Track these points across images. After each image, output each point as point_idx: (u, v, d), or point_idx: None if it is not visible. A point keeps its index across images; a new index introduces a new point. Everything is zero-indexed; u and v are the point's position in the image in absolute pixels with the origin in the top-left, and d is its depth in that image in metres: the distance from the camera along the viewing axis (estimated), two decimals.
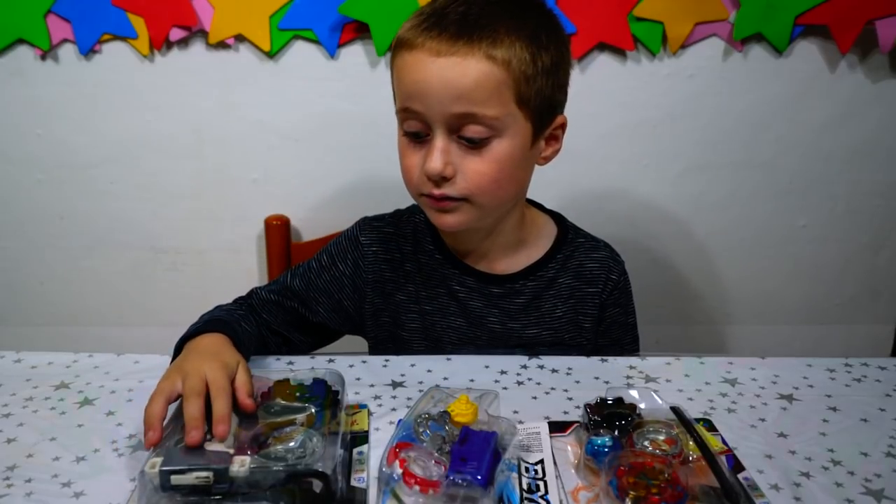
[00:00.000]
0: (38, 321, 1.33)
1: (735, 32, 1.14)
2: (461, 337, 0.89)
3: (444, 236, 0.89)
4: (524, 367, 0.81)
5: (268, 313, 0.88)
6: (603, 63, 1.18)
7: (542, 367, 0.81)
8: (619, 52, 1.17)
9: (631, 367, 0.80)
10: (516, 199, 0.84)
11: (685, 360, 0.82)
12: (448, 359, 0.82)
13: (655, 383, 0.77)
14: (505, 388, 0.76)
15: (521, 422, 0.69)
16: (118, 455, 0.65)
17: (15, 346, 0.83)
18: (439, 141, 0.74)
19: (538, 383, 0.77)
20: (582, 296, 0.89)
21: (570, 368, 0.80)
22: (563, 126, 0.82)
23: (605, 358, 0.82)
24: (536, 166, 0.84)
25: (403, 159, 0.79)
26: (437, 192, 0.76)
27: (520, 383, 0.77)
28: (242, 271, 1.30)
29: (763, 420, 0.71)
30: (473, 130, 0.74)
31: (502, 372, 0.79)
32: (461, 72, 0.72)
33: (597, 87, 1.19)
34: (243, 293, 1.31)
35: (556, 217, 0.93)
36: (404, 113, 0.76)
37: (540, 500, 0.59)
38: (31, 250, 1.29)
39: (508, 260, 0.88)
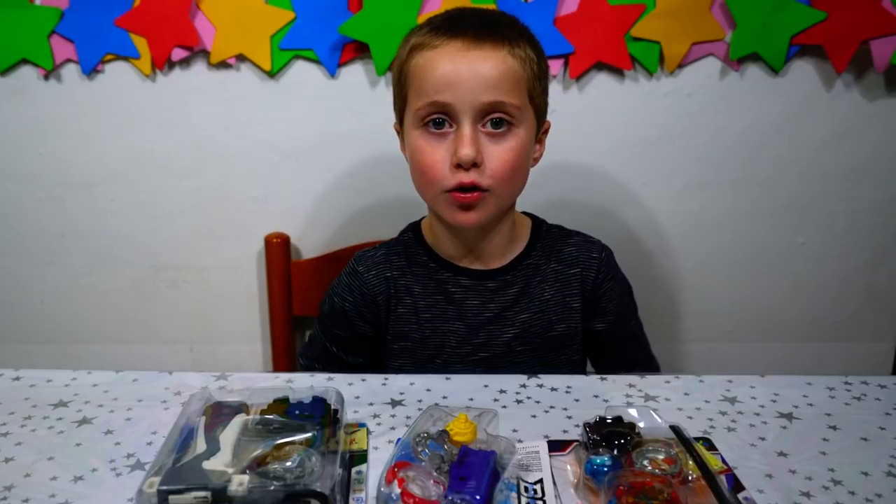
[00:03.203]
0: (38, 339, 1.33)
1: (731, 52, 1.15)
2: (460, 340, 0.92)
3: (441, 242, 0.92)
4: (523, 385, 0.81)
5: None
6: (601, 82, 1.19)
7: (541, 385, 0.81)
8: (618, 71, 1.18)
9: (630, 386, 0.80)
10: (518, 196, 0.89)
11: (684, 379, 0.82)
12: (447, 378, 0.82)
13: (655, 402, 0.77)
14: (504, 407, 0.76)
15: (520, 440, 0.69)
16: (116, 475, 0.65)
17: (15, 363, 0.83)
18: (468, 130, 0.79)
19: (537, 402, 0.77)
20: (566, 278, 0.93)
21: (569, 387, 0.80)
22: (547, 130, 0.89)
23: (604, 377, 0.82)
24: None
25: (424, 157, 0.82)
26: (468, 180, 0.79)
27: (519, 402, 0.77)
28: (242, 289, 1.31)
29: (763, 439, 0.70)
30: (499, 118, 0.80)
31: (501, 391, 0.79)
32: (492, 64, 0.78)
33: (595, 106, 1.20)
34: (243, 311, 1.32)
35: (529, 215, 0.98)
36: (430, 107, 0.80)
37: None
38: (32, 268, 1.29)
39: (498, 257, 0.92)
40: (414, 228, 0.96)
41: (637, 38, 1.14)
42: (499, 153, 0.80)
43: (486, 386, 0.80)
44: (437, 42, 0.79)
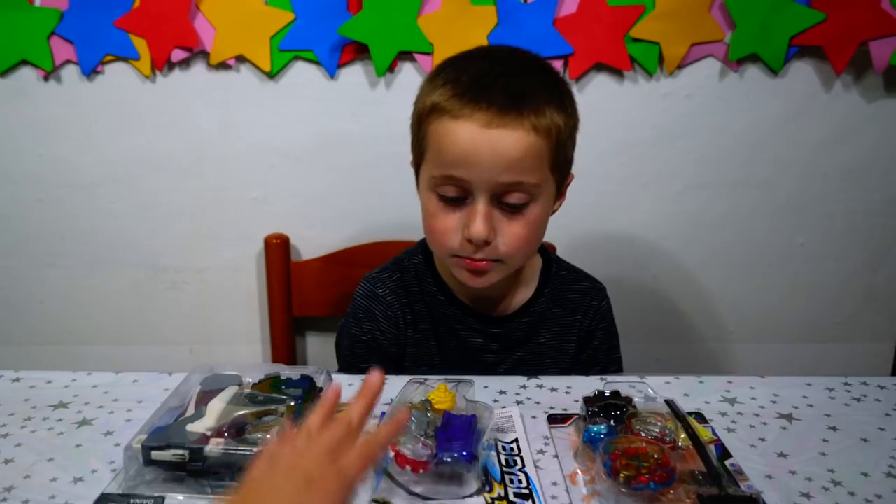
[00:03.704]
0: (38, 340, 1.33)
1: (731, 53, 1.15)
2: (457, 369, 0.91)
3: (448, 280, 0.91)
4: (523, 386, 0.81)
5: None
6: (601, 83, 1.19)
7: (541, 385, 0.81)
8: (617, 72, 1.18)
9: (631, 387, 0.80)
10: (531, 257, 0.89)
11: (685, 380, 0.82)
12: (446, 379, 0.82)
13: (654, 403, 0.77)
14: (504, 408, 0.76)
15: (496, 401, 0.74)
16: (116, 476, 0.65)
17: (16, 364, 0.84)
18: (482, 206, 0.76)
19: (537, 402, 0.77)
20: (566, 324, 0.93)
21: (569, 387, 0.80)
22: (570, 182, 0.86)
23: (604, 377, 0.82)
24: None
25: (435, 221, 0.80)
26: (478, 256, 0.78)
27: (519, 402, 0.77)
28: (242, 290, 1.31)
29: (763, 440, 0.71)
30: (516, 197, 0.77)
31: (501, 392, 0.79)
32: (511, 143, 0.74)
33: (595, 107, 1.19)
34: (243, 311, 1.32)
35: (539, 249, 0.95)
36: (445, 179, 0.77)
37: (518, 472, 0.65)
38: (32, 269, 1.29)
39: (507, 300, 0.91)
40: (424, 250, 0.92)
41: (636, 39, 1.14)
42: (513, 229, 0.78)
43: (486, 387, 0.80)
44: (459, 112, 0.75)
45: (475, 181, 0.75)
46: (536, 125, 0.75)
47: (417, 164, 0.84)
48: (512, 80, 0.76)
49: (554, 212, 0.85)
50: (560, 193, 0.84)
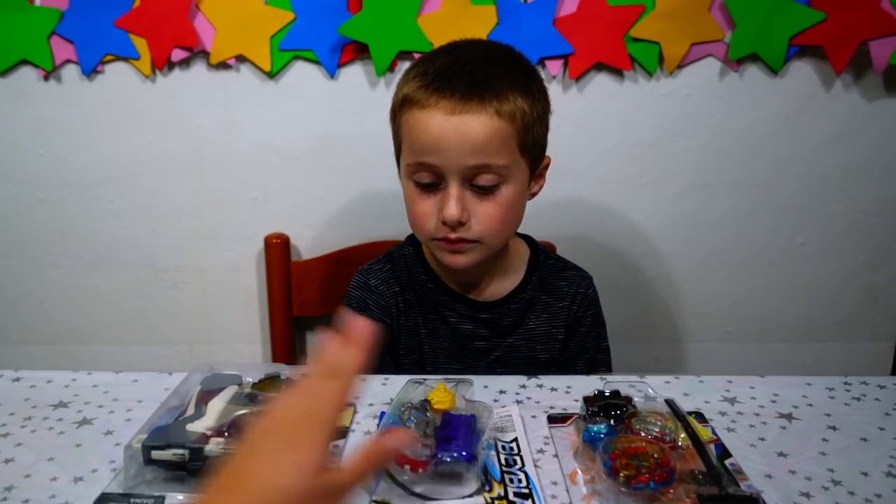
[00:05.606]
0: (38, 339, 1.33)
1: (731, 53, 1.15)
2: (449, 357, 0.94)
3: (437, 269, 0.94)
4: (523, 386, 0.81)
5: None
6: (601, 83, 1.19)
7: (541, 385, 0.81)
8: (617, 71, 1.18)
9: (631, 387, 0.80)
10: (510, 238, 0.91)
11: (684, 379, 0.82)
12: (445, 379, 0.82)
13: (654, 403, 0.77)
14: (504, 407, 0.76)
15: (495, 401, 0.74)
16: (116, 476, 0.65)
17: (15, 364, 0.83)
18: (454, 189, 0.80)
19: (537, 402, 0.77)
20: (554, 310, 0.95)
21: (569, 387, 0.80)
22: (547, 165, 0.90)
23: (604, 377, 0.82)
24: None
25: (414, 207, 0.84)
26: (454, 236, 0.82)
27: (519, 402, 0.77)
28: (242, 290, 1.31)
29: (763, 439, 0.71)
30: (486, 179, 0.80)
31: (501, 391, 0.79)
32: (476, 128, 0.78)
33: (595, 107, 1.20)
34: (243, 311, 1.32)
35: (527, 239, 0.99)
36: (419, 166, 0.81)
37: (518, 472, 0.65)
38: (32, 269, 1.29)
39: (494, 286, 0.94)
40: (414, 242, 0.96)
41: (636, 39, 1.15)
42: (486, 210, 0.81)
43: (486, 387, 0.80)
44: (426, 101, 0.79)
45: (445, 166, 0.79)
46: (499, 110, 0.78)
47: (397, 155, 0.88)
48: (476, 69, 0.80)
49: (533, 195, 0.89)
50: (538, 176, 0.87)
